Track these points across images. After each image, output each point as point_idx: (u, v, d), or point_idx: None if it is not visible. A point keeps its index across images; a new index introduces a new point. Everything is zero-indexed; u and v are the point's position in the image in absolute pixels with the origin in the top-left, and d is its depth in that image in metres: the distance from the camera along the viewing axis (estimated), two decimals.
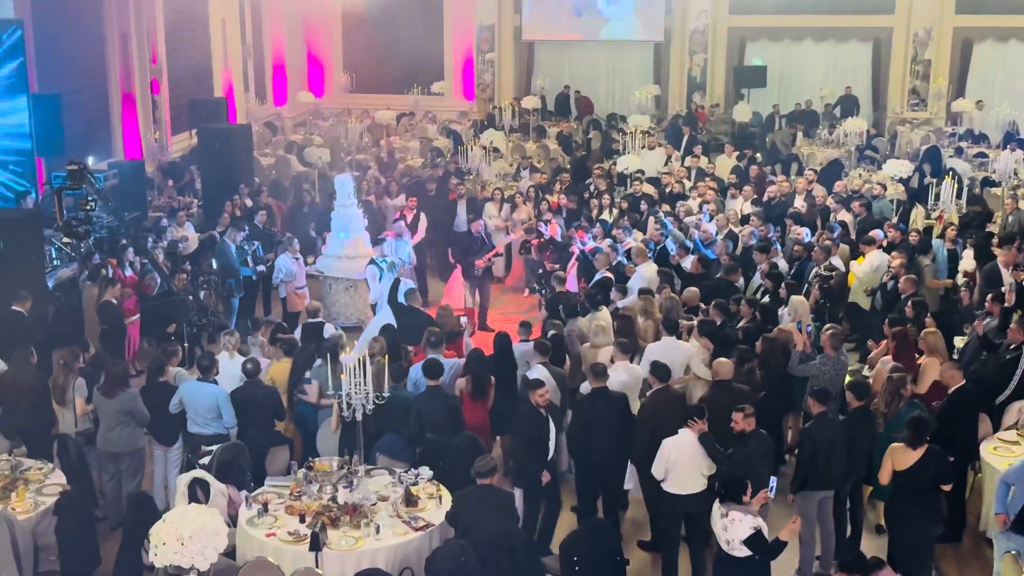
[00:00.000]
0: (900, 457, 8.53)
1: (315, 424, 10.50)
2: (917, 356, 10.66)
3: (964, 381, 9.83)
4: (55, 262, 14.24)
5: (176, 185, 19.46)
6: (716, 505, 7.85)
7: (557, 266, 14.36)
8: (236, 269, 14.62)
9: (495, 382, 10.61)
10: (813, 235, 14.85)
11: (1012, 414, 10.23)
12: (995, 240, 14.10)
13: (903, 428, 8.77)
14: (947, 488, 8.75)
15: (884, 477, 8.66)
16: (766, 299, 12.36)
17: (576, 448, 9.95)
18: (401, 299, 12.92)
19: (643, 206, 16.53)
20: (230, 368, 10.57)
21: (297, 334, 11.99)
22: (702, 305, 12.01)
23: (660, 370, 9.76)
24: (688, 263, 13.72)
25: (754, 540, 7.52)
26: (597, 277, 13.35)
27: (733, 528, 7.58)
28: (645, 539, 9.94)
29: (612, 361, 10.50)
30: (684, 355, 10.74)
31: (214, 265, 14.61)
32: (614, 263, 13.71)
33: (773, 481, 8.09)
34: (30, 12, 17.04)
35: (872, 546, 9.53)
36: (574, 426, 9.97)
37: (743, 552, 7.56)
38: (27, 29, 16.39)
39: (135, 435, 10.03)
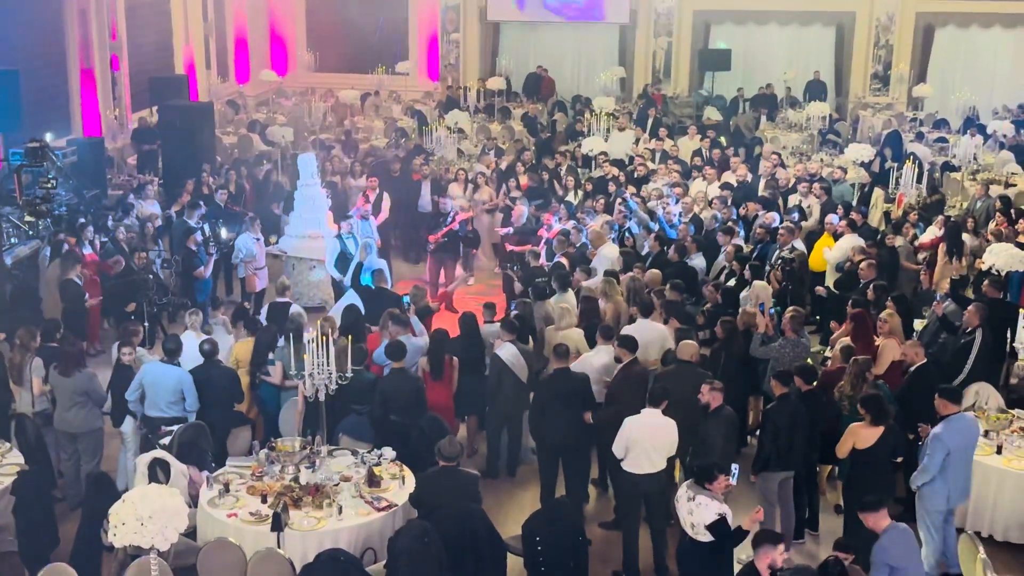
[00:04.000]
0: (862, 435, 8.66)
1: (277, 405, 10.45)
2: (876, 338, 10.78)
3: (926, 359, 9.98)
4: (12, 240, 14.04)
5: (146, 148, 19.29)
6: (683, 488, 7.91)
7: (528, 247, 14.35)
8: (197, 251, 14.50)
9: (461, 363, 10.62)
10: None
11: (969, 396, 10.36)
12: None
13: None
14: (899, 460, 8.96)
15: (843, 452, 8.79)
16: (732, 282, 12.44)
17: (537, 428, 9.99)
18: (365, 281, 12.89)
19: (611, 187, 16.56)
20: (194, 347, 10.47)
21: (263, 314, 11.92)
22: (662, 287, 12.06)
23: (628, 342, 9.81)
24: (648, 243, 13.78)
25: (717, 526, 7.58)
26: (554, 261, 13.39)
27: (699, 512, 7.64)
28: (607, 520, 9.99)
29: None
30: (660, 337, 10.78)
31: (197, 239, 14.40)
32: (578, 245, 13.73)
33: (735, 468, 8.13)
34: None
35: (830, 526, 9.66)
36: (535, 406, 10.01)
37: (706, 536, 7.62)
38: None
39: (92, 415, 9.91)
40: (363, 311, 11.76)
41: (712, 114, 23.21)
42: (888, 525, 7.41)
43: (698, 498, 7.67)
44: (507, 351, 10.46)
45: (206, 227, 14.72)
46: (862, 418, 8.83)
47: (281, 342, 10.44)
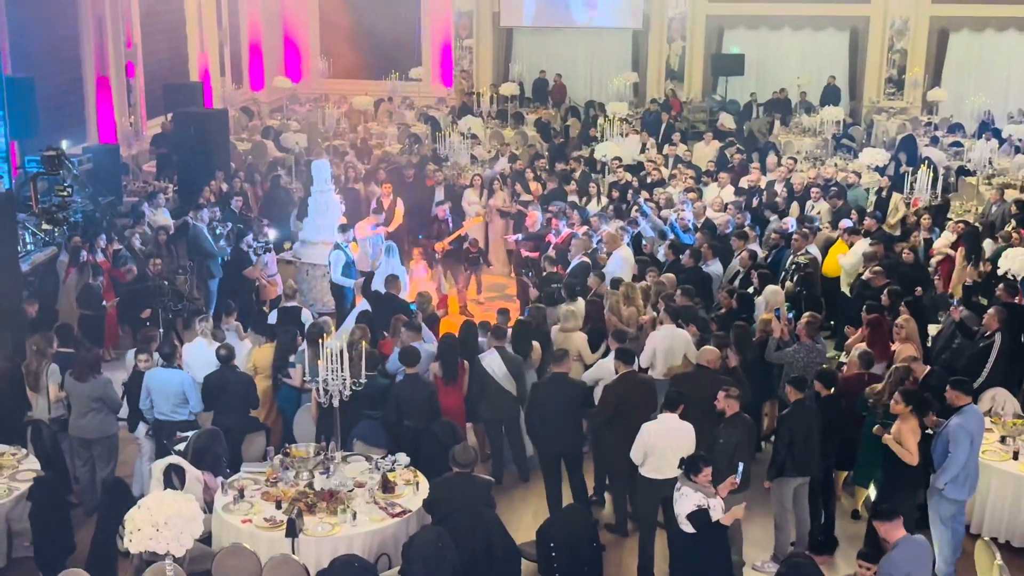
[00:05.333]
0: (916, 430, 8.66)
1: (298, 408, 10.44)
2: (891, 343, 10.73)
3: (928, 367, 9.99)
4: (29, 247, 14.11)
5: (157, 152, 19.32)
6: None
7: (537, 254, 14.34)
8: (212, 252, 14.57)
9: (470, 369, 10.62)
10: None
11: (986, 401, 10.32)
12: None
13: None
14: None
15: (915, 457, 8.65)
16: (750, 289, 12.41)
17: (535, 433, 9.98)
18: (376, 287, 12.89)
19: (629, 194, 16.55)
20: (208, 354, 10.49)
21: (272, 319, 11.94)
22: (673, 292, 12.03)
23: (625, 355, 9.79)
24: (663, 251, 13.74)
25: (695, 516, 7.69)
26: (574, 263, 13.35)
27: (680, 502, 7.80)
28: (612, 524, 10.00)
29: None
30: (685, 343, 10.75)
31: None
32: (589, 250, 13.70)
33: (740, 467, 8.15)
34: None
35: (847, 532, 9.61)
36: (531, 411, 9.97)
37: (689, 527, 7.75)
38: (0, 11, 16.19)
39: (107, 421, 9.94)
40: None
41: (727, 121, 23.18)
42: (902, 537, 7.31)
43: (683, 488, 7.83)
44: (490, 359, 10.42)
45: (219, 228, 14.80)
46: (888, 423, 8.78)
47: (303, 345, 10.45)
